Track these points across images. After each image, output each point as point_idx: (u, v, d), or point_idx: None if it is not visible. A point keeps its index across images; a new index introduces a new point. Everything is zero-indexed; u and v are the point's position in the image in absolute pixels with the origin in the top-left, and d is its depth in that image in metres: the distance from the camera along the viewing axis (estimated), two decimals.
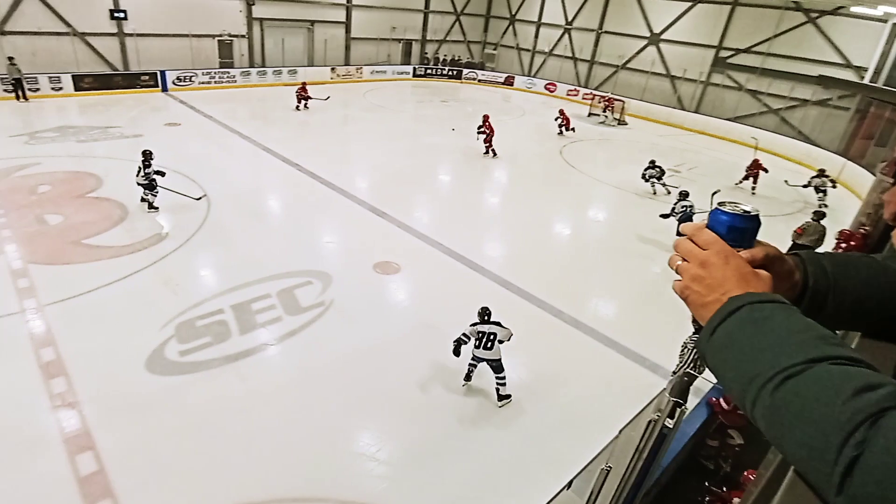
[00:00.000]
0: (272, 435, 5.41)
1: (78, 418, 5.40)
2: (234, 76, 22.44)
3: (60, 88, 18.17)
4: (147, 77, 20.21)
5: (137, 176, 9.99)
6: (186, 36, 21.24)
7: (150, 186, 10.07)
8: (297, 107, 19.44)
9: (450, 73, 30.00)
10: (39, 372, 5.96)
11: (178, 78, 20.85)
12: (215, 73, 21.95)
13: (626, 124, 23.00)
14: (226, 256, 8.90)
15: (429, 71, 29.84)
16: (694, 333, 0.90)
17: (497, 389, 6.06)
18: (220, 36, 22.54)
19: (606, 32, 27.29)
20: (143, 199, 10.24)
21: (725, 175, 16.21)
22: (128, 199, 10.49)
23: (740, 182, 14.96)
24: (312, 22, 25.38)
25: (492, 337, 5.81)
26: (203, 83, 21.55)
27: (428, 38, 30.62)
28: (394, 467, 5.25)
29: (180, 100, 19.65)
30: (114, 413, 5.51)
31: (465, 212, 11.98)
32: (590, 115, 23.02)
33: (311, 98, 19.39)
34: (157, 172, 10.14)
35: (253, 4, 22.78)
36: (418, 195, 12.67)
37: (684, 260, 0.88)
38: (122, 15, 19.53)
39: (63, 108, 17.07)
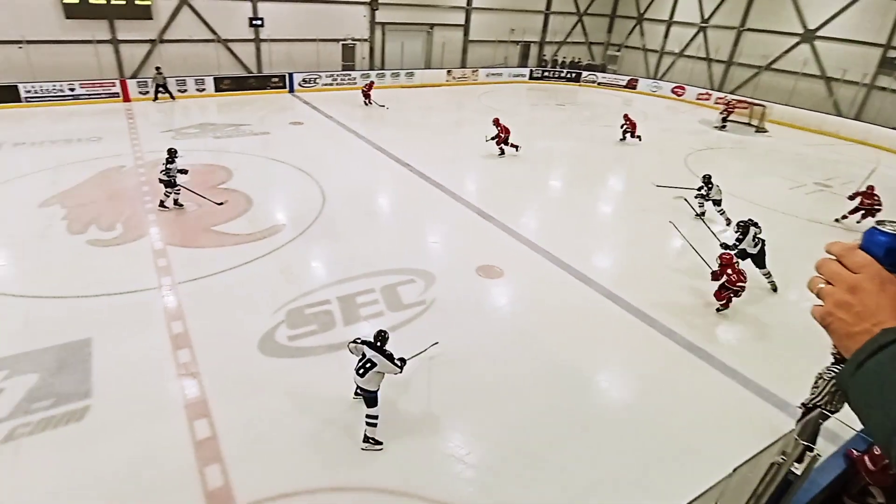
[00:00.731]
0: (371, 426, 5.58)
1: (198, 388, 6.01)
2: (354, 78, 23.95)
3: (204, 89, 20.73)
4: (277, 79, 22.33)
5: (161, 172, 10.39)
6: (314, 41, 23.11)
7: (171, 184, 10.42)
8: (366, 102, 20.73)
9: (568, 75, 29.36)
10: (170, 342, 6.75)
11: (303, 80, 22.76)
12: (337, 75, 23.61)
13: (766, 131, 20.75)
14: (336, 250, 9.43)
15: (546, 73, 29.47)
16: (833, 364, 0.72)
17: (365, 429, 5.25)
18: (344, 40, 24.20)
19: (749, 30, 24.93)
20: (162, 201, 10.54)
21: (891, 192, 13.90)
22: (253, 191, 11.61)
23: (843, 218, 11.90)
24: (432, 25, 26.31)
25: (368, 365, 5.10)
26: (326, 85, 23.28)
27: (547, 39, 30.29)
28: (483, 472, 5.16)
29: (304, 100, 21.41)
30: (228, 386, 6.06)
31: (575, 220, 11.56)
32: (726, 121, 21.07)
33: (371, 97, 20.58)
34: (181, 171, 10.56)
35: (377, 10, 24.17)
36: (527, 200, 12.47)
37: (828, 283, 0.80)
38: (259, 22, 21.79)
39: (204, 107, 19.43)
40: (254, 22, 21.71)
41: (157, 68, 19.52)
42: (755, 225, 8.66)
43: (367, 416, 5.26)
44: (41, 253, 8.84)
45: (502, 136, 15.19)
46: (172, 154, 10.60)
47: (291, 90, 22.64)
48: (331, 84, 23.47)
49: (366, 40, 24.76)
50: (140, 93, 19.69)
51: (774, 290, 8.83)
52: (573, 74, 29.33)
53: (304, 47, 23.20)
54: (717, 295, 7.98)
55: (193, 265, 8.59)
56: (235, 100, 20.65)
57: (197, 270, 8.41)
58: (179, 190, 10.65)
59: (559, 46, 30.79)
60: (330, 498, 4.78)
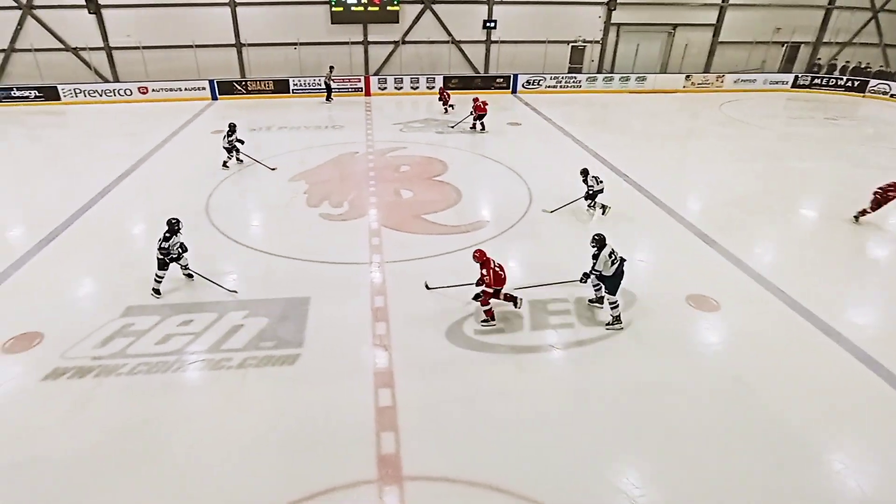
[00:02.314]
0: (537, 434, 5.53)
1: (387, 360, 6.66)
2: (579, 81, 23.85)
3: (433, 87, 22.90)
4: (501, 80, 23.50)
5: (224, 141, 13.52)
6: (542, 42, 23.67)
7: (230, 150, 13.60)
8: (446, 110, 19.82)
9: (848, 83, 24.55)
10: (371, 313, 7.62)
11: (527, 81, 23.50)
12: (562, 77, 23.78)
13: None
14: (535, 253, 9.50)
15: (816, 81, 25.13)
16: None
17: None
18: (574, 42, 24.24)
19: None
20: (225, 162, 13.73)
21: None
22: (463, 185, 12.41)
23: None
24: (675, 26, 24.66)
25: None
26: (549, 87, 23.67)
27: (825, 40, 25.78)
28: None
29: (525, 102, 22.09)
30: (413, 364, 6.58)
31: (827, 259, 9.58)
32: None
33: (450, 101, 19.80)
34: (239, 140, 13.73)
35: (614, 10, 23.63)
36: (764, 228, 10.78)
37: None
38: (492, 24, 23.19)
39: (431, 104, 21.45)
40: (487, 24, 23.20)
41: (331, 67, 21.93)
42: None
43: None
44: (284, 219, 10.84)
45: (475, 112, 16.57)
46: (233, 128, 13.73)
47: (514, 91, 23.59)
48: (554, 86, 23.77)
49: (597, 42, 24.41)
50: (379, 88, 22.78)
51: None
52: (856, 83, 24.40)
53: (532, 49, 23.92)
54: None
55: (401, 247, 9.55)
56: (460, 98, 22.34)
57: (404, 253, 9.34)
58: (233, 157, 13.86)
59: (841, 48, 25.93)
60: (487, 496, 4.82)
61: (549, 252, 9.58)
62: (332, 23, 22.19)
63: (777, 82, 25.29)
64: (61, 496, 4.89)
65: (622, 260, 7.20)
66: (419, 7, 22.60)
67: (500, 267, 7.34)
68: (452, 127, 17.91)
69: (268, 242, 9.82)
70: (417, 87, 22.90)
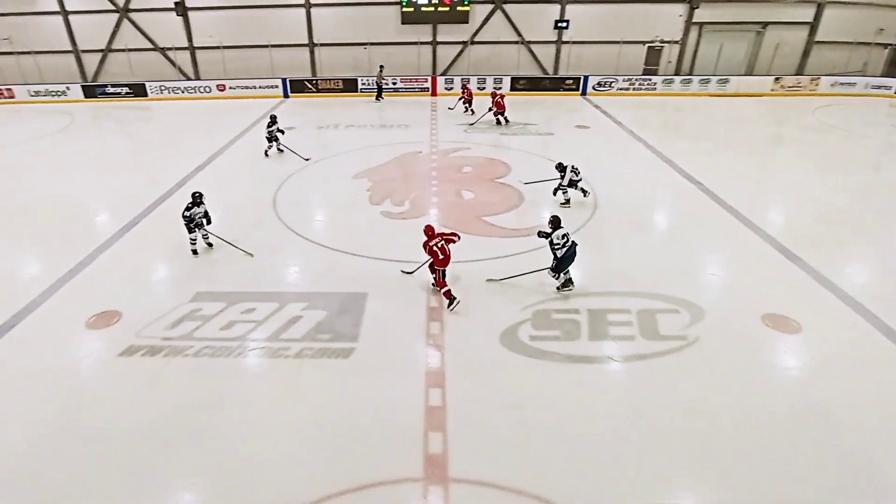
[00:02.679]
0: (590, 448, 5.40)
1: (439, 360, 6.72)
2: (654, 84, 23.06)
3: (500, 88, 22.88)
4: (571, 81, 23.13)
5: (265, 131, 14.89)
6: (616, 42, 23.08)
7: (270, 139, 14.85)
8: (467, 110, 19.64)
9: None
10: (426, 313, 7.72)
11: (598, 83, 23.00)
12: (636, 79, 23.09)
13: None
14: (597, 260, 9.26)
15: None
16: None
17: None
18: (651, 42, 23.46)
19: None
20: (266, 151, 15.04)
21: None
22: (526, 188, 12.30)
23: None
24: (764, 24, 23.34)
25: None
26: (621, 89, 23.05)
27: None
28: None
29: (595, 104, 21.62)
30: (466, 367, 6.60)
31: None
32: None
33: (471, 102, 19.55)
34: (280, 130, 14.92)
35: (696, 8, 22.68)
36: (859, 246, 9.98)
37: None
38: (564, 25, 22.86)
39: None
40: (559, 24, 22.90)
41: (381, 66, 22.28)
42: None
43: None
44: (347, 215, 11.18)
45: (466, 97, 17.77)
46: (274, 119, 15.09)
47: (584, 93, 23.16)
48: (627, 89, 23.13)
49: (676, 42, 23.51)
50: (445, 88, 23.02)
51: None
52: None
53: (604, 49, 23.40)
54: None
55: (459, 248, 9.57)
56: (527, 99, 22.20)
57: (461, 254, 9.31)
58: (272, 147, 15.08)
59: None
60: None
61: (612, 258, 9.31)
62: (403, 23, 22.66)
63: (879, 87, 23.35)
64: (130, 462, 5.31)
65: (574, 244, 7.94)
66: (489, 7, 22.66)
67: (444, 248, 7.82)
68: (472, 124, 18.30)
69: (330, 237, 10.16)
70: (484, 88, 22.95)
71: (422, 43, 23.22)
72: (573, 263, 8.05)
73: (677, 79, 23.18)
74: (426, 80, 23.06)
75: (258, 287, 8.42)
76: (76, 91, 23.15)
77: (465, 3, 22.12)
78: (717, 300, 8.01)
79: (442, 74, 23.62)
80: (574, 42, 23.24)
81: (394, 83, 22.85)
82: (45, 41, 23.21)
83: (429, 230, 7.97)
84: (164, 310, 7.79)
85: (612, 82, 23.06)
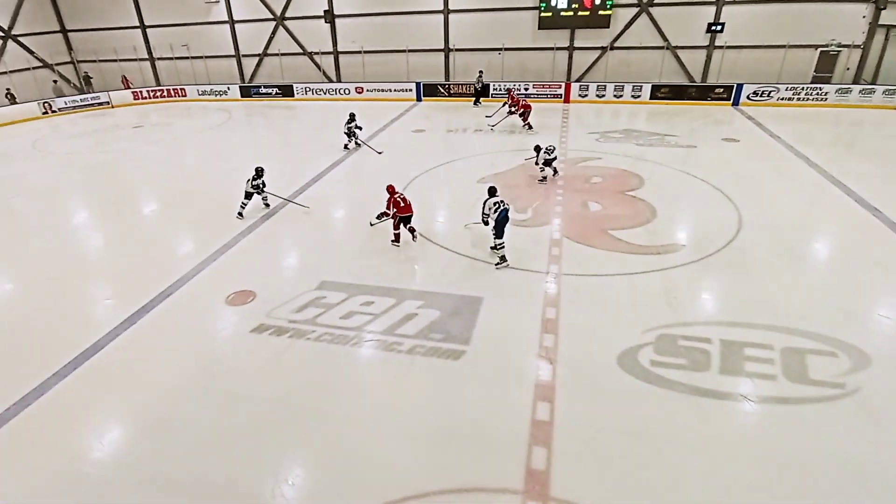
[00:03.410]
0: (711, 496, 4.99)
1: (550, 373, 6.63)
2: (825, 93, 20.69)
3: (639, 96, 21.99)
4: (721, 90, 21.51)
5: (344, 126, 16.58)
6: (781, 47, 21.05)
7: (349, 135, 16.73)
8: (511, 111, 19.32)
9: None
10: (540, 323, 7.65)
11: (754, 92, 21.14)
12: (802, 88, 20.87)
13: None
14: (737, 287, 8.55)
15: None
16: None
17: None
18: (826, 46, 21.08)
19: None
20: (346, 144, 16.90)
21: None
22: (660, 203, 11.70)
23: None
24: None
25: None
26: (783, 99, 20.98)
27: None
28: None
29: (748, 115, 19.92)
30: (578, 384, 6.45)
31: None
32: None
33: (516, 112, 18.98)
34: (357, 127, 16.60)
35: (883, 8, 19.98)
36: None
37: None
38: (719, 28, 21.33)
39: (635, 114, 20.63)
40: (712, 27, 21.45)
41: (480, 72, 22.63)
42: None
43: None
44: (464, 219, 11.41)
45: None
46: (352, 116, 16.56)
47: (735, 103, 21.45)
48: (790, 99, 21.01)
49: (857, 46, 20.88)
50: (579, 95, 22.63)
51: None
52: None
53: (765, 55, 21.47)
54: None
55: (581, 261, 9.40)
56: (668, 109, 21.09)
57: (583, 267, 9.17)
58: (357, 142, 16.80)
59: None
60: None
61: (755, 286, 8.49)
62: (539, 28, 22.69)
63: None
64: (252, 428, 5.96)
65: (506, 209, 9.14)
66: (633, 10, 21.88)
67: (404, 199, 10.01)
68: (492, 127, 18.85)
69: (450, 239, 10.46)
70: (621, 96, 22.20)
71: (557, 48, 23.07)
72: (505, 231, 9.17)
73: (856, 88, 20.55)
74: (559, 87, 22.85)
75: (378, 281, 8.91)
76: (234, 91, 26.46)
77: (608, 6, 21.58)
78: (887, 348, 6.99)
79: (577, 81, 23.25)
80: (728, 47, 21.61)
81: (525, 89, 22.94)
82: (214, 47, 26.74)
83: (390, 189, 10.28)
84: (293, 294, 8.57)
85: (771, 91, 21.06)
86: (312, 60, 25.82)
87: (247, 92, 26.25)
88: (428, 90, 24.07)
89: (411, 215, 10.01)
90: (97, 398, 6.66)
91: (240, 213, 11.84)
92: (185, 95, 26.99)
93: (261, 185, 11.90)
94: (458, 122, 19.98)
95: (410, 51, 24.29)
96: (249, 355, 7.26)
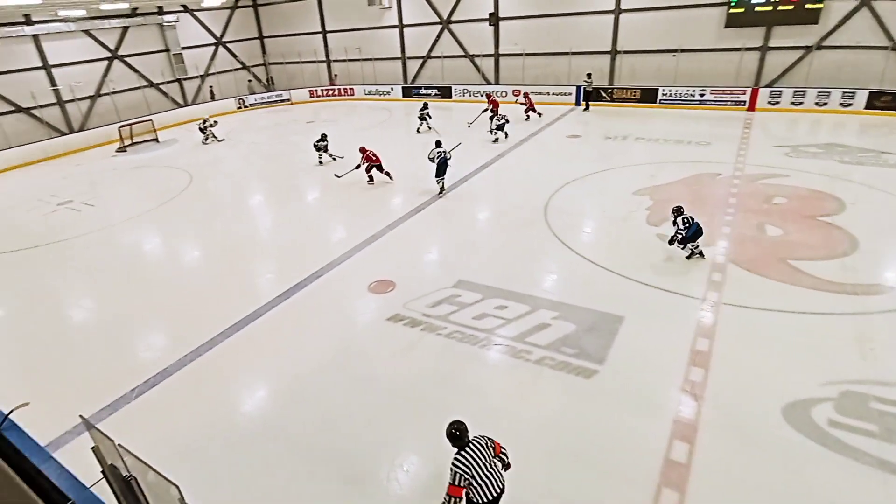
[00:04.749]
0: None
1: (694, 412, 6.03)
2: None
3: (850, 104, 19.12)
4: None
5: (419, 112, 20.75)
6: None
7: (421, 119, 20.52)
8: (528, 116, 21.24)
9: None
10: (688, 354, 7.01)
11: None
12: None
13: None
14: None
15: None
16: None
17: None
18: None
19: None
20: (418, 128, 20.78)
21: None
22: (863, 234, 10.05)
23: None
24: None
25: None
26: None
27: None
28: None
29: None
30: (728, 429, 5.78)
31: None
32: None
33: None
34: (428, 115, 20.71)
35: None
36: None
37: None
38: None
39: (840, 125, 18.00)
40: None
41: (589, 74, 22.15)
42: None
43: None
44: (618, 232, 10.88)
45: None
46: (426, 104, 20.31)
47: None
48: None
49: None
50: (769, 103, 20.36)
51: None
52: None
53: None
54: None
55: (749, 291, 8.43)
56: (889, 121, 18.10)
57: (750, 298, 8.22)
58: (429, 125, 20.47)
59: None
60: None
61: None
62: (726, 26, 20.83)
63: None
64: (379, 410, 6.40)
65: (447, 157, 13.09)
66: (850, 4, 19.08)
67: (374, 154, 14.41)
68: (495, 138, 18.94)
69: (594, 251, 10.06)
70: (825, 104, 19.51)
71: (746, 49, 20.98)
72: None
73: None
74: (743, 93, 20.76)
75: (514, 287, 8.88)
76: (397, 91, 28.35)
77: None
78: None
79: (767, 86, 20.92)
80: None
81: (701, 95, 21.27)
82: (383, 50, 28.86)
83: (362, 149, 14.63)
84: (430, 289, 8.92)
85: None
86: (473, 63, 26.59)
87: (408, 92, 27.92)
88: (588, 94, 23.42)
89: (381, 164, 14.51)
90: (251, 359, 7.66)
91: (319, 162, 17.31)
92: (353, 94, 29.53)
93: (323, 147, 17.09)
94: (619, 129, 19.14)
95: (574, 53, 23.86)
96: (383, 342, 7.72)
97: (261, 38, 32.29)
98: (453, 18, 26.23)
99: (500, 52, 25.81)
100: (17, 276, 11.14)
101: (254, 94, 29.81)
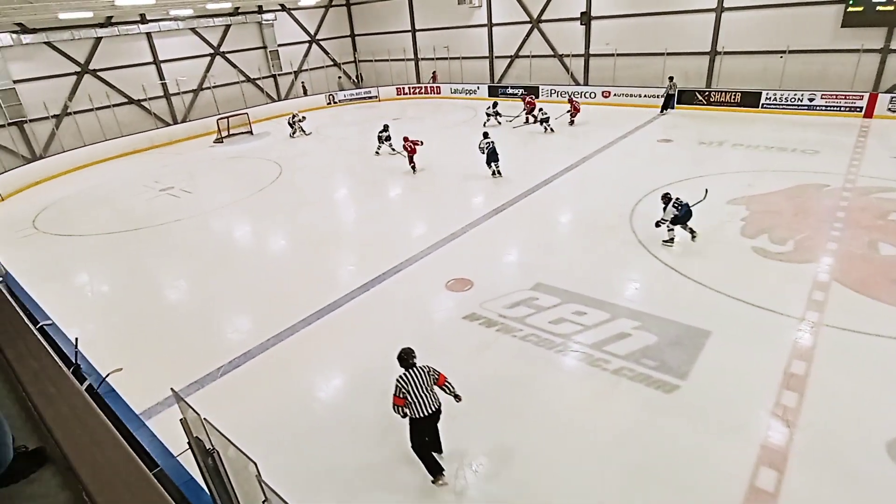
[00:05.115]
0: None
1: (785, 438, 5.69)
2: None
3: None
4: None
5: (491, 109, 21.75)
6: None
7: (490, 115, 21.47)
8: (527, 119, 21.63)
9: None
10: (781, 375, 6.61)
11: None
12: None
13: None
14: None
15: None
16: None
17: None
18: None
19: None
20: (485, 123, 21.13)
21: None
22: None
23: None
24: None
25: None
26: None
27: None
28: None
29: None
30: (822, 461, 5.42)
31: None
32: None
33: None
34: (497, 113, 21.41)
35: None
36: None
37: None
38: None
39: None
40: None
41: (671, 78, 21.46)
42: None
43: None
44: (709, 242, 10.39)
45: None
46: (496, 103, 21.26)
47: None
48: None
49: None
50: (889, 110, 18.69)
51: None
52: None
53: None
54: None
55: (856, 313, 7.83)
56: None
57: (857, 321, 7.63)
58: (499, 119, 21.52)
59: None
60: None
61: None
62: (843, 26, 19.31)
63: None
64: (451, 407, 6.22)
65: (494, 146, 14.92)
66: None
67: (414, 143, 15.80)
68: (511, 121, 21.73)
69: (682, 261, 9.69)
70: None
71: (865, 51, 19.34)
72: None
73: None
74: (860, 98, 19.15)
75: (594, 293, 8.72)
76: (483, 90, 28.42)
77: None
78: None
79: (888, 91, 19.18)
80: None
81: (811, 100, 19.85)
82: (470, 49, 29.07)
83: (405, 138, 16.03)
84: (507, 290, 8.95)
85: None
86: (562, 63, 26.21)
87: (494, 91, 27.90)
88: (682, 97, 22.44)
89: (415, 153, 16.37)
90: (328, 348, 8.03)
91: (376, 152, 18.51)
92: (439, 93, 29.95)
93: (384, 137, 18.37)
94: (715, 134, 18.22)
95: (669, 54, 22.96)
96: (457, 340, 7.82)
97: (352, 35, 33.50)
98: (543, 18, 26.00)
99: (591, 52, 25.31)
100: (122, 255, 12.26)
101: (343, 90, 30.96)
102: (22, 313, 1.67)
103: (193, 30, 26.19)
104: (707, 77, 22.73)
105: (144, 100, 25.01)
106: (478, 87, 28.55)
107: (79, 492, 1.92)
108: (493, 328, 7.96)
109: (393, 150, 18.28)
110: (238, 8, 27.10)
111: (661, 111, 22.05)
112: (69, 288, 10.80)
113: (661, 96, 22.16)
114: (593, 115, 22.44)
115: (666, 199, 10.31)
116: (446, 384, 5.45)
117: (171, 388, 4.19)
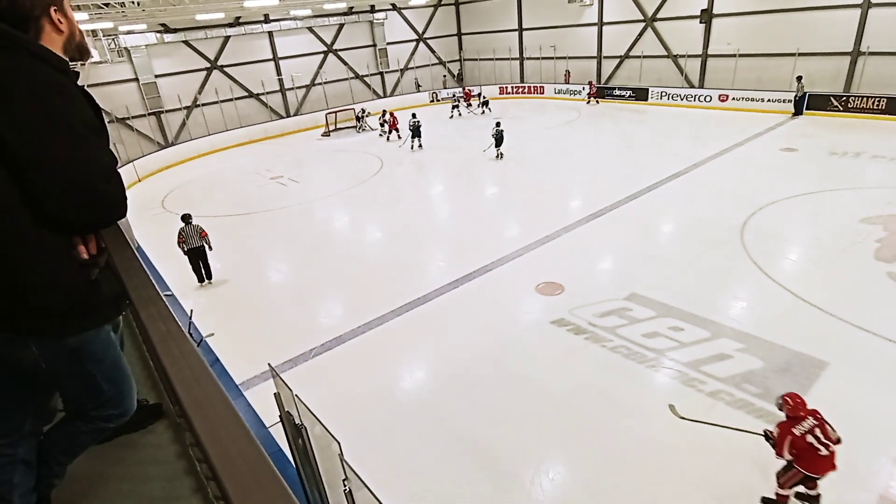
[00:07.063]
0: None
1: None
2: None
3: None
4: None
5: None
6: None
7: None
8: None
9: None
10: None
11: None
12: None
13: None
14: None
15: None
16: None
17: None
18: None
19: None
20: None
21: None
22: None
23: None
24: None
25: None
26: None
27: None
28: None
29: None
30: None
31: None
32: None
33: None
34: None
35: None
36: None
37: None
38: None
39: None
40: None
41: (799, 77, 20.30)
42: None
43: None
44: (835, 263, 9.52)
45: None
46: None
47: None
48: None
49: None
50: None
51: None
52: None
53: None
54: None
55: None
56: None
57: None
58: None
59: None
60: None
61: None
62: None
63: None
64: (533, 412, 6.45)
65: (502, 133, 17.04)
66: None
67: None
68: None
69: (799, 282, 8.95)
70: None
71: None
72: None
73: None
74: None
75: (694, 308, 8.30)
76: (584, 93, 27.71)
77: None
78: None
79: None
80: None
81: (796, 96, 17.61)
82: (578, 48, 28.49)
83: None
84: (600, 298, 8.75)
85: None
86: (676, 64, 24.99)
87: (600, 93, 27.13)
88: (814, 102, 20.60)
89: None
90: (415, 340, 8.32)
91: (412, 147, 19.87)
92: (543, 93, 29.66)
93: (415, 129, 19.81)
94: (850, 144, 16.57)
95: (801, 54, 21.16)
96: (544, 344, 7.77)
97: (459, 34, 34.03)
98: (658, 16, 24.93)
99: (709, 52, 23.92)
100: (234, 237, 13.34)
101: (446, 88, 31.58)
102: (154, 281, 1.93)
103: (310, 28, 27.90)
104: (846, 80, 20.72)
105: (262, 94, 27.03)
106: (583, 88, 27.82)
107: (186, 446, 2.18)
108: (581, 335, 7.81)
109: (419, 144, 20.33)
110: (352, 7, 28.47)
111: (794, 115, 20.74)
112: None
113: (794, 98, 20.64)
114: (705, 120, 21.28)
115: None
116: (205, 237, 10.14)
117: (269, 364, 4.54)
